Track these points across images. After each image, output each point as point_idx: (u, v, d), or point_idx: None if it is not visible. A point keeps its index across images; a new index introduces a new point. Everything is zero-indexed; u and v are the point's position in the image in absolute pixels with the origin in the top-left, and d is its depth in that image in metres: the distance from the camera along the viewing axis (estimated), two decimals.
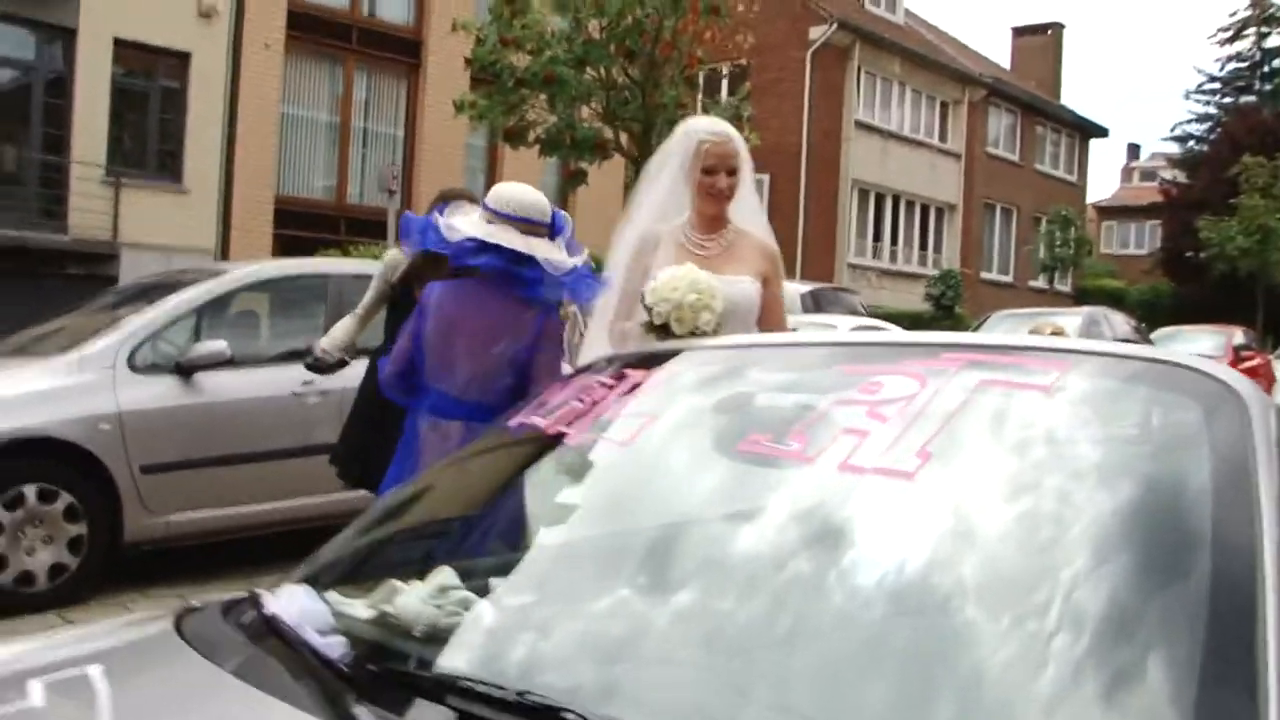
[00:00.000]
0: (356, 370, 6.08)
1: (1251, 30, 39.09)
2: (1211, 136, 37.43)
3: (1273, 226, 27.15)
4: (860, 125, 27.51)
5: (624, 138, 11.93)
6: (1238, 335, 19.27)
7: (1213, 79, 40.13)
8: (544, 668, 1.32)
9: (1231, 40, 39.60)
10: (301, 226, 16.34)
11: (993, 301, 27.47)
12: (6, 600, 5.02)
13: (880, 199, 28.70)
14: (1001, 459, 1.53)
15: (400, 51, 17.71)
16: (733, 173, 3.52)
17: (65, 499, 5.18)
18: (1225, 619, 1.19)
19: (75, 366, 5.33)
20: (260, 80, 15.98)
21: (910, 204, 29.61)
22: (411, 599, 1.57)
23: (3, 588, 5.04)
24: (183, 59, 15.46)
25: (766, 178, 24.54)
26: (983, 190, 31.58)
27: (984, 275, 31.16)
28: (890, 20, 29.75)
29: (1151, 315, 28.03)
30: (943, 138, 30.53)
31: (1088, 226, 36.01)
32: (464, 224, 3.53)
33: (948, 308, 23.98)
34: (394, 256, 4.88)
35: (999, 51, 35.63)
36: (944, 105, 30.42)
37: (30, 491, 5.09)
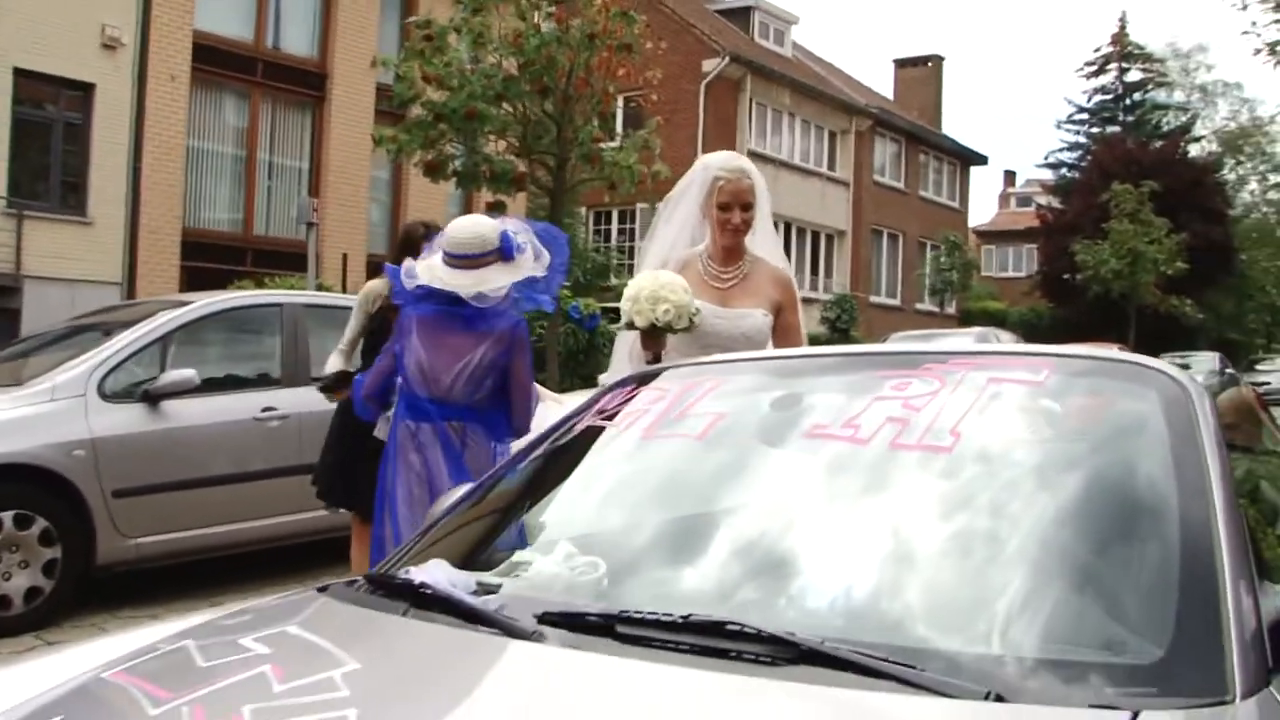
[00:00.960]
0: (312, 394, 6.36)
1: (1114, 65, 41.31)
2: (1082, 164, 39.32)
3: (1141, 250, 28.73)
4: (753, 155, 28.26)
5: (540, 171, 12.31)
6: (1114, 351, 20.43)
7: (1081, 109, 42.28)
8: (688, 605, 1.67)
9: (1096, 74, 41.86)
10: (209, 259, 16.30)
11: (883, 324, 28.48)
12: None
13: (773, 226, 29.50)
14: (1012, 435, 1.97)
15: (305, 84, 17.80)
16: (747, 208, 3.68)
17: (40, 524, 5.32)
18: (1190, 539, 1.62)
19: (48, 394, 5.48)
20: (165, 112, 15.92)
21: (801, 231, 30.51)
22: (545, 565, 1.92)
23: None
24: (86, 90, 15.34)
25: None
26: (871, 217, 32.69)
27: (873, 299, 32.22)
28: (779, 53, 30.73)
29: (1032, 334, 29.33)
30: (831, 166, 31.56)
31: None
32: (422, 270, 4.04)
33: (843, 330, 24.80)
34: (372, 288, 5.17)
35: (883, 82, 37.06)
36: (832, 135, 31.48)
37: (7, 518, 5.22)
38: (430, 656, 1.67)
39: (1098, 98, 41.88)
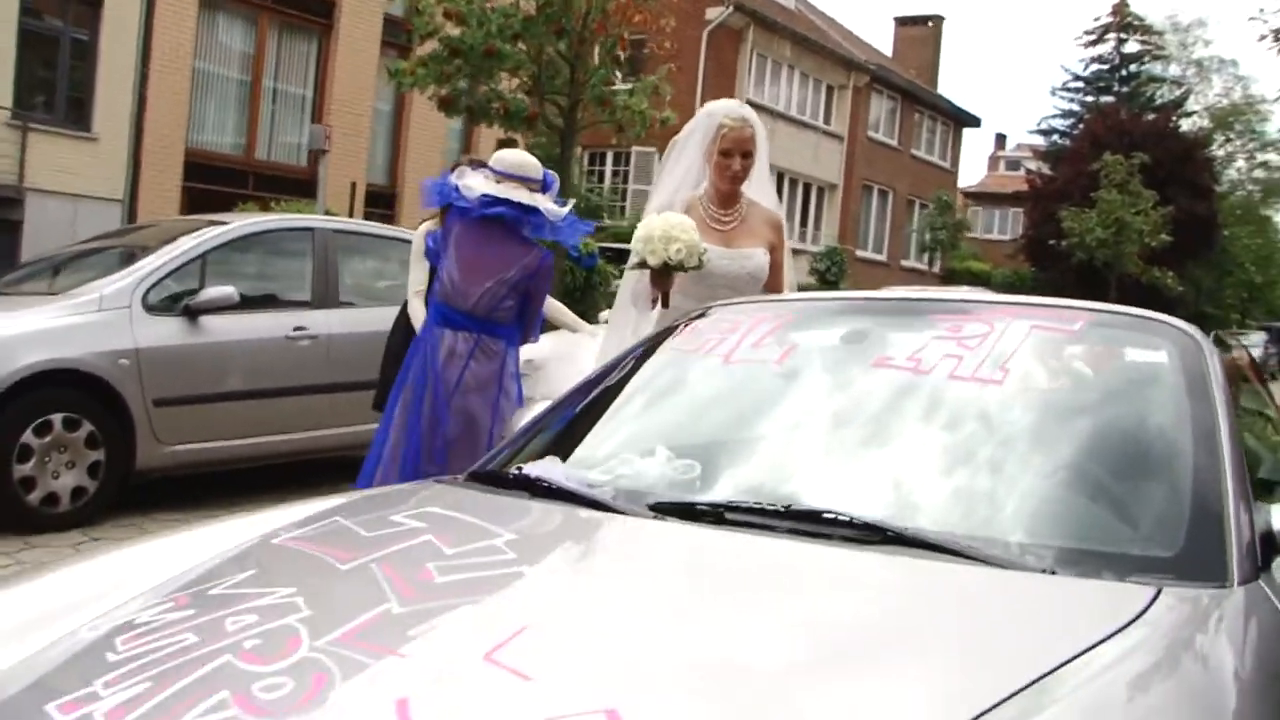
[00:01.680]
0: (340, 316, 6.64)
1: (1112, 35, 41.46)
2: (1074, 132, 39.53)
3: (1128, 220, 29.09)
4: (751, 104, 28.26)
5: (550, 111, 12.49)
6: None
7: (1077, 78, 42.43)
8: (790, 498, 1.98)
9: (1095, 43, 42.00)
10: (211, 180, 16.39)
11: (867, 278, 28.84)
12: (34, 519, 5.44)
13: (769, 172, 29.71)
14: (1053, 373, 2.28)
15: (313, 12, 17.80)
16: (747, 156, 3.83)
17: (87, 427, 5.60)
18: (1202, 463, 1.96)
19: (95, 304, 5.72)
20: (173, 32, 15.94)
21: (794, 182, 30.73)
22: (645, 466, 2.22)
23: (31, 507, 5.44)
24: (95, 5, 15.34)
25: (655, 152, 25.31)
26: (863, 172, 32.92)
27: (860, 253, 32.53)
28: (782, 4, 30.69)
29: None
30: (827, 120, 31.71)
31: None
32: (477, 183, 4.31)
33: (832, 283, 25.13)
34: (428, 229, 5.41)
35: (882, 39, 37.33)
36: (830, 89, 31.59)
37: (57, 419, 5.49)
38: (573, 531, 1.98)
39: (1094, 67, 42.07)
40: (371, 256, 7.33)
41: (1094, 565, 1.73)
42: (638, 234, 3.66)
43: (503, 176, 4.40)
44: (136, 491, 6.07)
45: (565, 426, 2.59)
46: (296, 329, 6.46)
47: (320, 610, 1.57)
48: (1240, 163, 45.84)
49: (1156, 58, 42.56)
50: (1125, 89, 40.93)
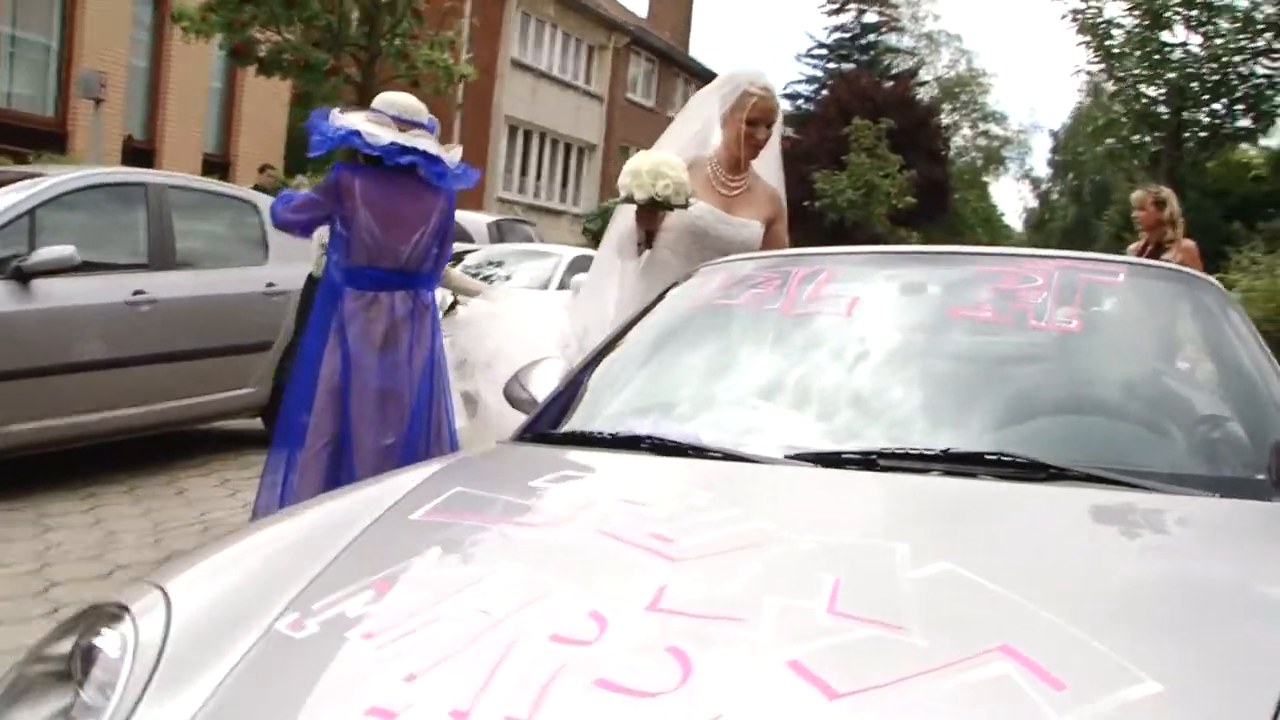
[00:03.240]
0: (179, 279, 6.22)
1: (853, 5, 43.40)
2: (818, 97, 41.20)
3: (876, 183, 30.72)
4: (515, 64, 28.20)
5: (349, 65, 11.99)
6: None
7: (821, 45, 44.17)
8: (925, 443, 2.01)
9: (837, 12, 43.80)
10: None
11: None
12: None
13: (529, 136, 29.60)
14: (1112, 316, 2.45)
15: None
16: (770, 126, 3.82)
17: None
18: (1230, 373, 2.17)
19: None
20: None
21: (555, 142, 30.76)
22: (753, 418, 2.21)
23: None
24: None
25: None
26: (621, 133, 33.24)
27: None
28: None
29: None
30: (588, 81, 31.83)
31: None
32: (380, 130, 4.07)
33: None
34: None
35: (636, 2, 37.62)
36: (590, 49, 31.70)
37: None
38: (762, 482, 1.93)
39: (836, 35, 43.93)
40: (208, 214, 6.86)
41: (1238, 487, 1.88)
42: (626, 168, 3.58)
43: (404, 124, 4.14)
44: None
45: (616, 384, 2.54)
46: (136, 293, 5.97)
47: (580, 583, 1.49)
48: (966, 130, 49.20)
49: (892, 29, 44.92)
50: (866, 58, 42.97)
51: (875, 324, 2.47)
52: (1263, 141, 23.31)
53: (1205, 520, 1.78)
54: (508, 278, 9.99)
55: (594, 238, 26.58)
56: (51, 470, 5.86)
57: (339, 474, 3.94)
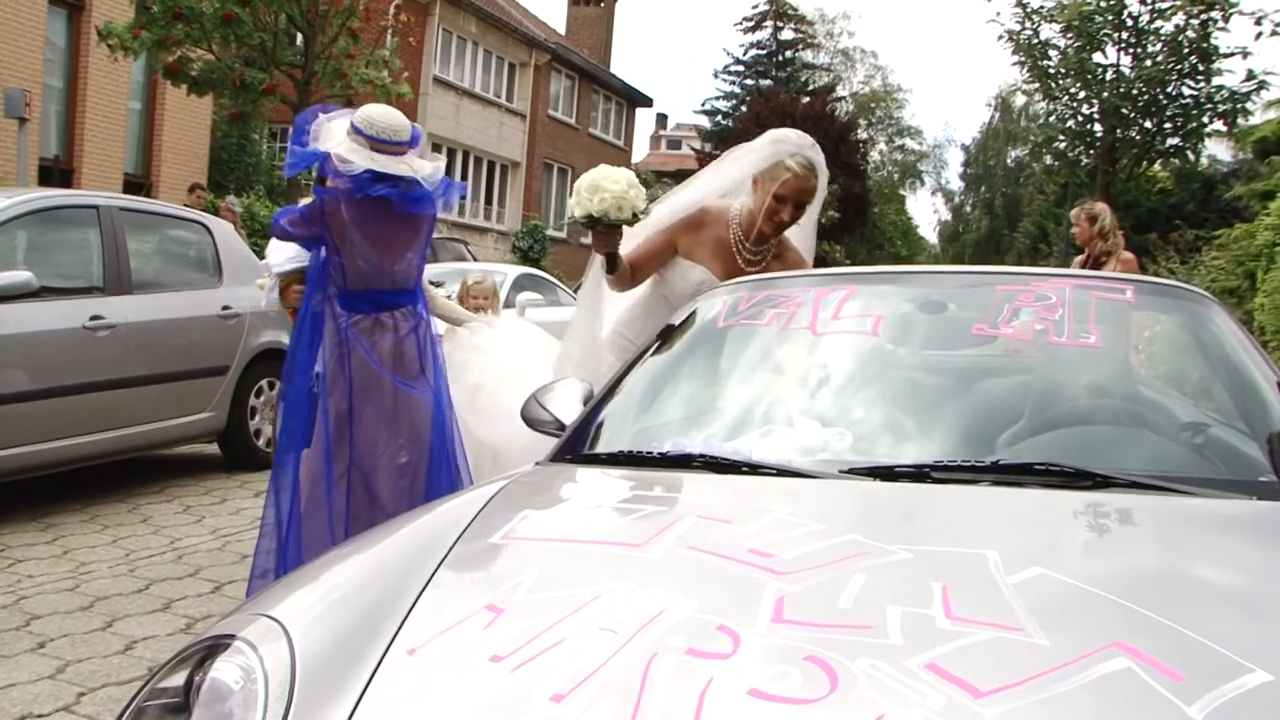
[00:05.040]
0: (136, 303, 6.13)
1: (769, 22, 43.99)
2: (736, 113, 41.64)
3: None
4: (438, 81, 28.11)
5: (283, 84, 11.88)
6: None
7: (738, 61, 44.69)
8: (968, 455, 2.11)
9: (753, 29, 44.41)
10: None
11: (558, 256, 29.25)
12: None
13: (453, 154, 29.48)
14: (1127, 331, 2.57)
15: None
16: (801, 208, 3.54)
17: None
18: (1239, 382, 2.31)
19: None
20: None
21: (479, 160, 30.71)
22: (795, 436, 2.28)
23: None
24: None
25: None
26: (544, 150, 33.36)
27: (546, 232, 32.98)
28: None
29: None
30: (510, 98, 31.84)
31: None
32: (354, 155, 3.98)
33: (535, 260, 25.31)
34: None
35: (555, 19, 37.74)
36: (512, 67, 31.74)
37: None
38: (831, 497, 2.00)
39: (753, 52, 44.49)
40: (160, 237, 6.76)
41: (1270, 490, 1.99)
42: (575, 185, 3.46)
43: (378, 145, 3.92)
44: None
45: (652, 403, 2.59)
46: (93, 318, 5.87)
47: (694, 599, 1.53)
48: (882, 145, 50.11)
49: (808, 45, 45.59)
50: (783, 74, 43.58)
51: (902, 342, 2.56)
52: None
53: (1249, 520, 1.89)
54: (449, 297, 9.97)
55: (524, 255, 26.59)
56: (3, 496, 5.73)
57: (361, 497, 3.92)
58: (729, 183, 3.70)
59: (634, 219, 3.46)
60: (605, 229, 3.47)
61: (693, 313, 2.92)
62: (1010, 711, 1.23)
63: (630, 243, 3.66)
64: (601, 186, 3.38)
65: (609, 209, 3.38)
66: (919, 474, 2.04)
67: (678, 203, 3.73)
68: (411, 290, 4.17)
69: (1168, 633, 1.39)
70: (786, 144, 3.58)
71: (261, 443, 7.08)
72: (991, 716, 1.22)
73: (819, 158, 3.62)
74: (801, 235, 3.78)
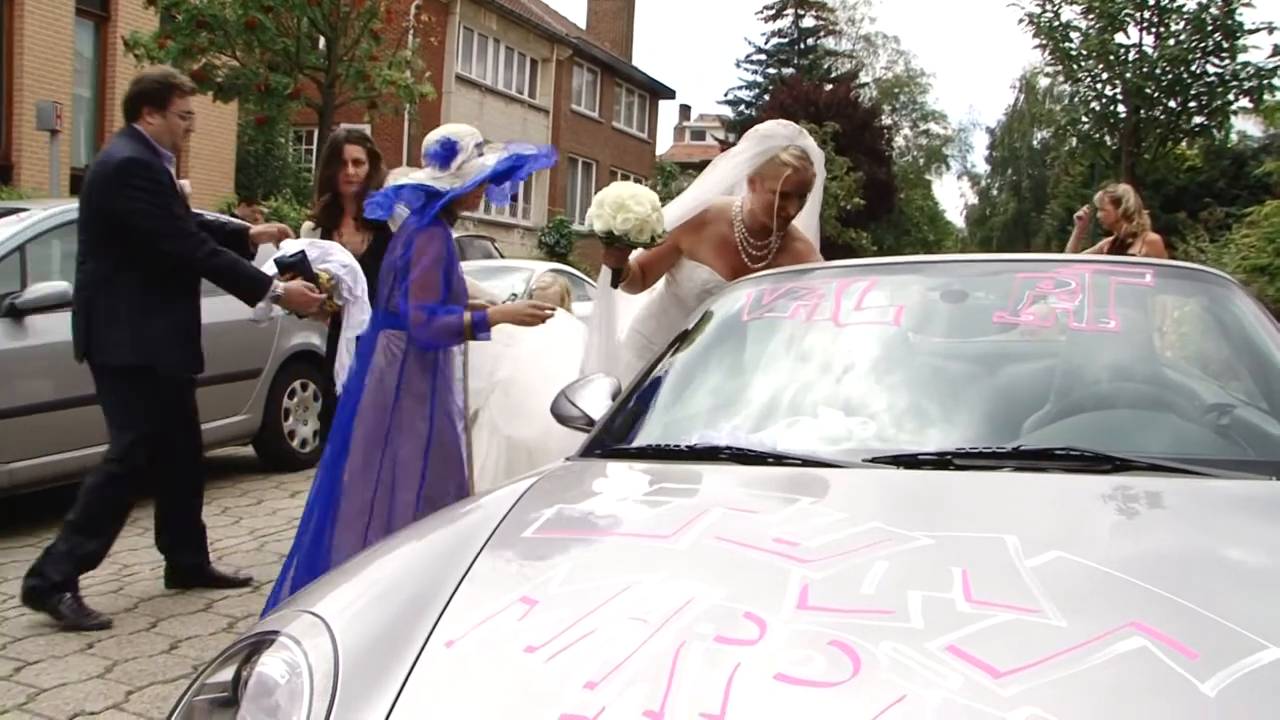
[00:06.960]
0: None
1: (790, 10, 43.85)
2: (759, 102, 41.55)
3: (825, 185, 31.00)
4: (460, 79, 28.24)
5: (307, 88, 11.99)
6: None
7: (760, 50, 44.61)
8: (990, 441, 2.14)
9: (774, 18, 44.25)
10: None
11: (583, 250, 29.34)
12: None
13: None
14: (1147, 315, 2.59)
15: None
16: (804, 198, 3.54)
17: None
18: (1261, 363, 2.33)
19: None
20: None
21: None
22: (819, 426, 2.32)
23: None
24: None
25: (368, 128, 24.66)
26: (568, 145, 33.37)
27: (572, 226, 33.04)
28: None
29: None
30: (532, 94, 31.92)
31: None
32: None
33: (561, 255, 25.39)
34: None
35: (576, 12, 37.81)
36: (534, 62, 31.82)
37: None
38: (858, 486, 2.05)
39: (775, 40, 44.37)
40: None
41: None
42: (596, 197, 3.45)
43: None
44: None
45: (679, 397, 2.64)
46: None
47: (722, 588, 1.58)
48: (907, 131, 49.89)
49: (830, 32, 45.44)
50: (805, 62, 43.44)
51: (924, 331, 2.60)
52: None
53: (1268, 500, 1.92)
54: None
55: (550, 250, 26.68)
56: (46, 503, 5.84)
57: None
58: (722, 187, 3.69)
59: (652, 242, 3.46)
60: (621, 246, 3.48)
61: (716, 307, 2.96)
62: (1028, 690, 1.27)
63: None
64: (627, 206, 3.37)
65: (630, 230, 3.37)
66: (941, 461, 2.07)
67: (677, 212, 3.70)
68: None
69: (1184, 612, 1.43)
70: (776, 139, 3.56)
71: (296, 444, 7.18)
72: (1010, 695, 1.26)
73: (810, 142, 3.63)
74: (805, 220, 3.78)
